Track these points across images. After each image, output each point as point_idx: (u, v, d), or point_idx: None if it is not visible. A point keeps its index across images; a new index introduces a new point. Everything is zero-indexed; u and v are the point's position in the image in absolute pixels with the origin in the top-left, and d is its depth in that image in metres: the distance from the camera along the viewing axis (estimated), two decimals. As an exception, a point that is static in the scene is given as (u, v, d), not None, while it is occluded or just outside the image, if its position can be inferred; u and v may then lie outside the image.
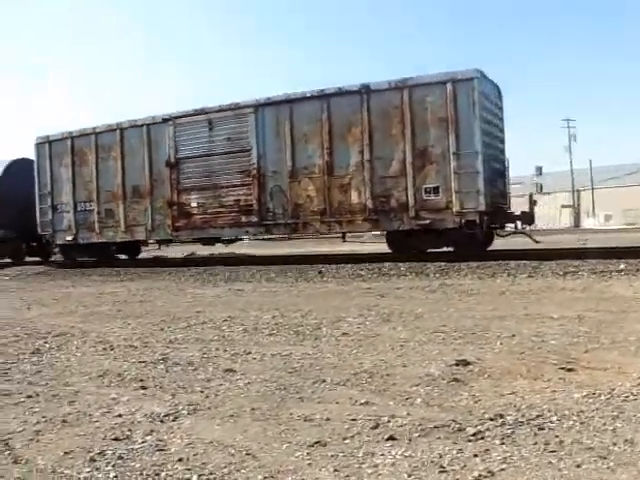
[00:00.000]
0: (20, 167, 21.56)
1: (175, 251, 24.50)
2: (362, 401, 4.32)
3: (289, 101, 16.51)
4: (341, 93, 15.92)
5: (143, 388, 5.01)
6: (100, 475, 3.30)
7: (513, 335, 6.26)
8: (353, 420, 3.93)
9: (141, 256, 21.52)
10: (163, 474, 3.26)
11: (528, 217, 16.13)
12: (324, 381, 4.92)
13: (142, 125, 18.55)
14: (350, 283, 12.02)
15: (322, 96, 16.09)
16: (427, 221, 14.95)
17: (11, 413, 4.47)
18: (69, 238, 19.79)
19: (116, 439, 3.82)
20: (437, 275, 12.58)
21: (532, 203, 16.51)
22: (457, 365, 5.07)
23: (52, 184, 20.16)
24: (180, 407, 4.42)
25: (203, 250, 22.57)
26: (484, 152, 14.60)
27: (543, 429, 3.55)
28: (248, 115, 16.86)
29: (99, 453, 3.59)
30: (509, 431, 3.53)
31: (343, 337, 6.67)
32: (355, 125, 15.65)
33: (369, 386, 4.72)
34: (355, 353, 5.88)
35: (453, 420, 3.75)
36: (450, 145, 14.69)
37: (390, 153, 15.35)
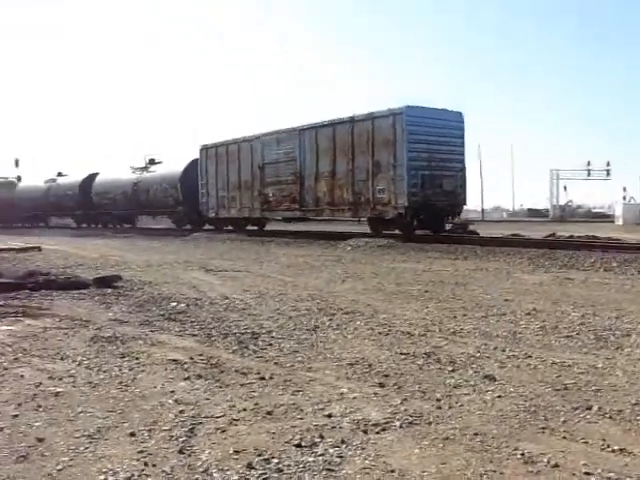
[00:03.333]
0: (194, 164, 29.94)
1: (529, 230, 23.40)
2: (617, 447, 3.25)
3: (316, 127, 23.06)
4: (341, 122, 22.10)
5: (380, 386, 4.47)
6: (241, 486, 2.86)
7: None
8: (586, 474, 2.93)
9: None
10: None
11: (455, 212, 21.72)
12: (589, 409, 3.89)
13: (249, 140, 26.39)
14: None
15: (332, 124, 22.47)
16: (378, 212, 20.91)
17: (229, 394, 4.27)
18: (213, 214, 28.69)
19: (298, 445, 3.36)
20: None
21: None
22: None
23: (206, 177, 28.93)
24: (398, 417, 3.80)
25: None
26: (411, 164, 19.81)
27: None
28: (296, 136, 23.77)
29: (264, 459, 3.17)
30: None
31: (652, 351, 5.36)
32: (346, 144, 21.69)
33: (642, 426, 3.57)
34: (654, 375, 4.62)
35: None
36: (390, 159, 20.21)
37: (362, 164, 21.15)
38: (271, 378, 4.66)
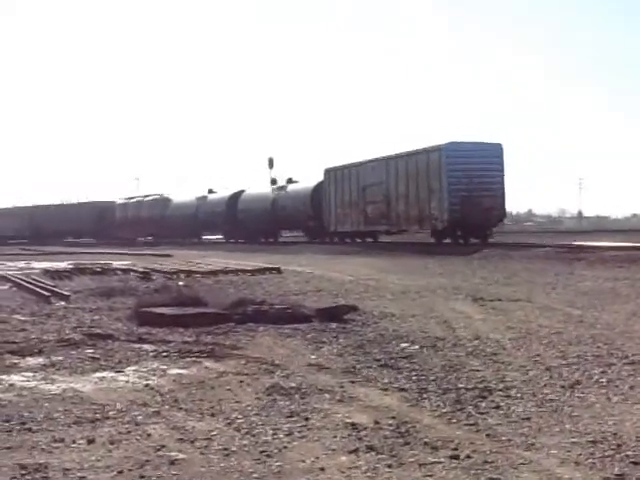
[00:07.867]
0: (320, 185, 34.63)
1: None
2: None
3: (397, 157, 28.79)
4: (408, 155, 28.02)
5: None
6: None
7: None
8: None
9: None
10: None
11: (494, 224, 26.93)
12: None
13: (356, 166, 31.78)
14: None
15: (405, 155, 28.34)
16: (433, 225, 26.63)
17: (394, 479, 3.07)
18: (332, 228, 33.13)
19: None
20: None
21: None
22: None
23: (328, 196, 33.31)
24: None
25: None
26: (451, 188, 25.22)
27: None
28: (383, 164, 29.39)
29: None
30: None
31: None
32: (413, 172, 27.22)
33: None
34: None
35: None
36: (437, 185, 25.76)
37: (423, 188, 26.68)
38: (468, 457, 3.42)
